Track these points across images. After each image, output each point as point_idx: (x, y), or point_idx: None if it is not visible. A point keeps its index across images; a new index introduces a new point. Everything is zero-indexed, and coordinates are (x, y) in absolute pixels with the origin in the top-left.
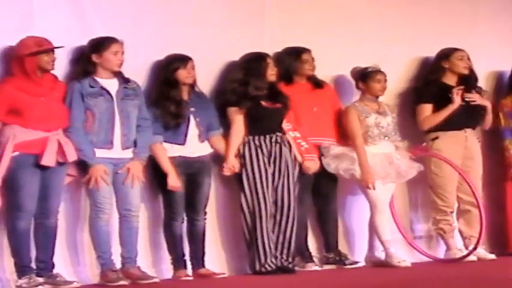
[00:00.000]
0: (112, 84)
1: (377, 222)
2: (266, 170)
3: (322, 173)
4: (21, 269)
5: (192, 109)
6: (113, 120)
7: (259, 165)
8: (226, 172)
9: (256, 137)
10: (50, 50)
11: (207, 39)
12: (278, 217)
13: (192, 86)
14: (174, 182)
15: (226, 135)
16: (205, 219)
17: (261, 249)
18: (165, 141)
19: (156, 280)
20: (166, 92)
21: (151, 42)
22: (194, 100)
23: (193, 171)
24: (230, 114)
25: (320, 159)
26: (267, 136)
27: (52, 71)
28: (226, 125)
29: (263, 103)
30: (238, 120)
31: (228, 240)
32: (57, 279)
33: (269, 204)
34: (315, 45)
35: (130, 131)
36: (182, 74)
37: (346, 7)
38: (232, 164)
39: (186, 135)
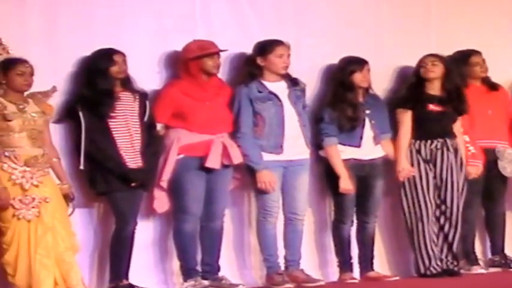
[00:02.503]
0: (280, 88)
1: None
2: (427, 175)
3: (493, 176)
4: (187, 272)
5: (367, 111)
6: (283, 124)
7: (419, 170)
8: (403, 178)
9: (417, 141)
10: (213, 53)
11: (373, 42)
12: (442, 221)
13: (367, 88)
14: (347, 184)
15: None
16: (375, 222)
17: (424, 252)
18: (339, 143)
19: (322, 283)
20: (343, 95)
21: (318, 44)
22: (369, 102)
23: (364, 174)
24: (398, 116)
25: (489, 163)
26: (428, 141)
27: (218, 75)
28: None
29: (431, 106)
30: (406, 122)
31: (392, 243)
32: (222, 282)
33: (431, 208)
34: (482, 48)
35: (309, 132)
36: (358, 78)
37: None
38: (407, 169)
39: (361, 138)
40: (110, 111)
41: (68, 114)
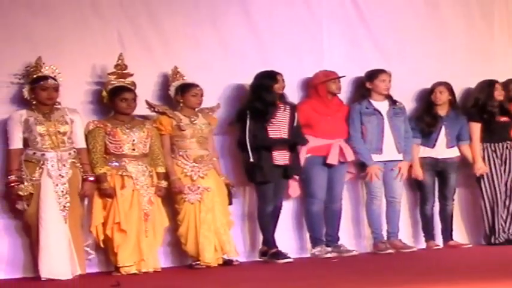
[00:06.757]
0: (383, 106)
1: None
2: (499, 168)
3: None
4: (315, 241)
5: (445, 122)
6: (382, 133)
7: (495, 165)
8: (480, 174)
9: (492, 144)
10: (336, 78)
11: (450, 69)
12: (507, 202)
13: (451, 104)
14: (418, 171)
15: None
16: (453, 204)
17: (493, 226)
18: (421, 145)
19: (414, 249)
20: (427, 110)
21: (414, 71)
22: (450, 116)
23: (440, 169)
24: (471, 127)
25: None
26: (499, 143)
27: (339, 95)
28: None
29: (496, 118)
30: (477, 131)
31: (469, 220)
32: (341, 248)
33: (500, 193)
34: None
35: (401, 140)
36: (434, 96)
37: None
38: (483, 167)
39: (435, 141)
40: (272, 118)
41: (238, 119)
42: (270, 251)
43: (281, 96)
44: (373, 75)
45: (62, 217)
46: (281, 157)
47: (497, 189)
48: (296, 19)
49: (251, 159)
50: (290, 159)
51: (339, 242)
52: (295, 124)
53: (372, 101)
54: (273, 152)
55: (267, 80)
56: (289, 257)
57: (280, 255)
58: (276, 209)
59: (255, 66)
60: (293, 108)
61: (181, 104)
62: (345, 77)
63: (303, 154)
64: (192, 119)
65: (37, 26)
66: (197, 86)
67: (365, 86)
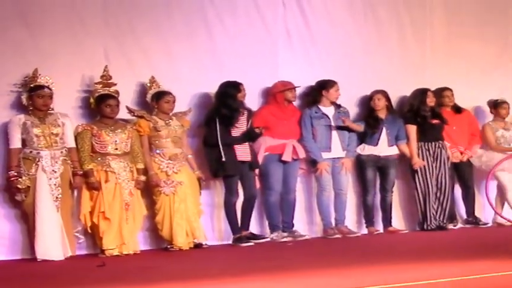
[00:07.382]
0: (330, 110)
1: (509, 197)
2: (432, 164)
3: (465, 165)
4: (273, 227)
5: (385, 124)
6: (330, 134)
7: (428, 162)
8: (416, 167)
9: (426, 143)
10: (292, 88)
11: (386, 78)
12: (438, 194)
13: (388, 109)
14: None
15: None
16: (391, 195)
17: (426, 214)
18: (365, 143)
19: (358, 234)
20: (369, 114)
21: (356, 81)
22: (389, 119)
23: (380, 165)
24: (407, 129)
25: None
26: (432, 143)
27: (294, 102)
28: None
29: (429, 121)
30: (413, 132)
31: (405, 209)
32: (295, 233)
33: (432, 186)
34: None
35: (345, 139)
36: (374, 103)
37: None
38: (420, 161)
39: (378, 140)
40: (236, 122)
41: (206, 123)
42: (235, 236)
43: (242, 103)
44: (327, 84)
45: (54, 207)
46: (244, 153)
47: (429, 182)
48: (256, 38)
49: (223, 159)
50: (251, 156)
51: (294, 228)
52: (248, 126)
53: (321, 107)
54: (236, 149)
55: (231, 89)
56: (254, 240)
57: (250, 238)
58: (252, 198)
59: (220, 77)
60: (250, 113)
61: (156, 109)
62: (300, 87)
63: (262, 152)
64: (167, 121)
65: (34, 43)
66: (170, 93)
67: (319, 94)
